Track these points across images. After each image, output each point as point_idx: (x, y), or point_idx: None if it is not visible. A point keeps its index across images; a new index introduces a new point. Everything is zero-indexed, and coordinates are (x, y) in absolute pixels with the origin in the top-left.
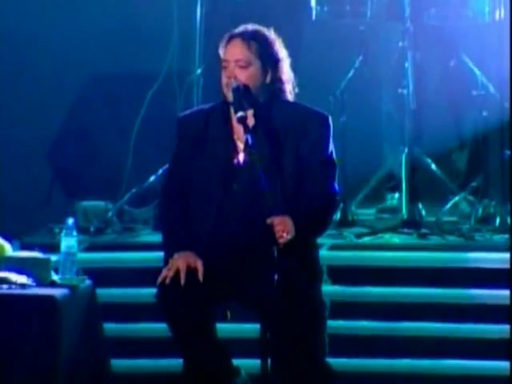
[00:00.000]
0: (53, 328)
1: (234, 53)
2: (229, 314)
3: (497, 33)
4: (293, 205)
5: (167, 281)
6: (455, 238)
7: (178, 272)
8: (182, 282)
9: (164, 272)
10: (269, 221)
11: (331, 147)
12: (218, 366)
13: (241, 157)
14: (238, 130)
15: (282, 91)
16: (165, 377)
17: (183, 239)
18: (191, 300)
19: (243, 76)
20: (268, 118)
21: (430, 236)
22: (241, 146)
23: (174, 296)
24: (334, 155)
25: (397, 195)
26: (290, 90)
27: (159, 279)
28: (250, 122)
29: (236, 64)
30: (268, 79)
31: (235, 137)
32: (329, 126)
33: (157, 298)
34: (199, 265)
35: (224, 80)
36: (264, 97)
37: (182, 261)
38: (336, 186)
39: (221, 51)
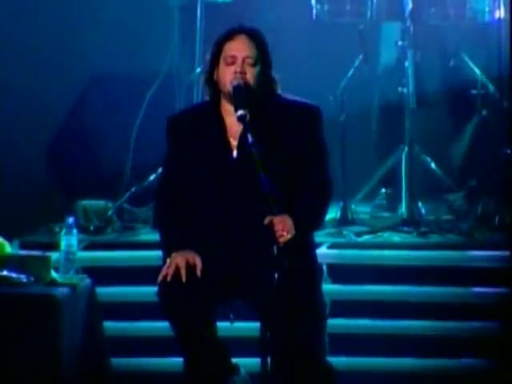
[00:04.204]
0: (53, 327)
1: (242, 49)
2: (232, 317)
3: (497, 32)
4: (288, 199)
5: (168, 278)
6: (455, 237)
7: (177, 269)
8: (183, 278)
9: (164, 270)
10: (268, 220)
11: (323, 137)
12: (218, 363)
13: (235, 153)
14: (231, 126)
15: (275, 89)
16: (165, 376)
17: (180, 238)
18: (193, 296)
19: (251, 73)
20: (263, 115)
21: (429, 234)
22: (234, 142)
23: (176, 293)
24: (326, 145)
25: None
26: (278, 88)
27: (160, 277)
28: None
29: (245, 61)
30: (266, 77)
31: (228, 134)
32: (319, 116)
33: (158, 295)
34: (198, 261)
35: (229, 76)
36: (261, 94)
37: (180, 258)
38: (329, 175)
39: (222, 46)
